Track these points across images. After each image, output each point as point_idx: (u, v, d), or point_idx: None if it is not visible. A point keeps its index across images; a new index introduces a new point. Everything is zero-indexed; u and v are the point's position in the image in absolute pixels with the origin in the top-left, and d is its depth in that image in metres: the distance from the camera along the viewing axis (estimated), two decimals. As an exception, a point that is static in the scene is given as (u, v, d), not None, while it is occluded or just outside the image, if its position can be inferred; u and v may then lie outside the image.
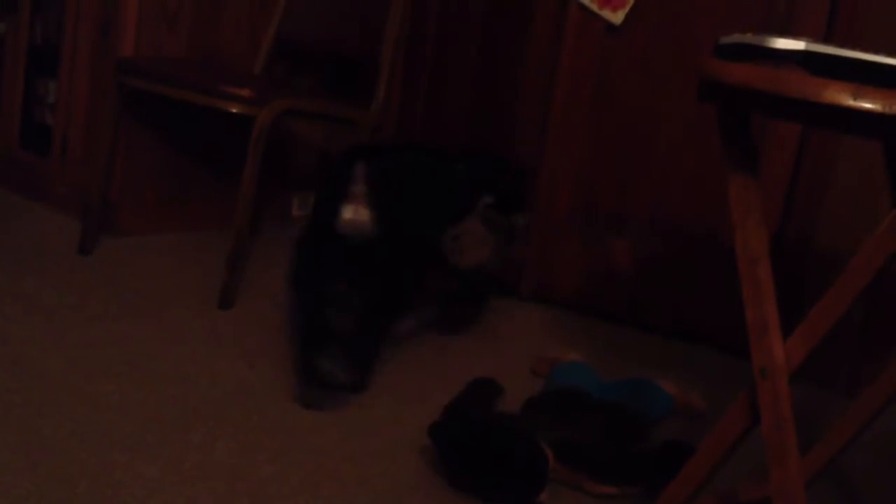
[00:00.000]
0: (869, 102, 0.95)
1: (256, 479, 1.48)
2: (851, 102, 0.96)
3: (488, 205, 2.17)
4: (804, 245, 2.23)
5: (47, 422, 1.55)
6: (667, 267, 2.40)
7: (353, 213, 1.78)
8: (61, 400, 1.64)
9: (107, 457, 1.47)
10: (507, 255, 2.27)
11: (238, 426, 1.64)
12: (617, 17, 2.36)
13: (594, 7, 2.38)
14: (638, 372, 2.03)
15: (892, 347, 2.11)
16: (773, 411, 1.11)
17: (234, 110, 2.15)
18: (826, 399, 2.05)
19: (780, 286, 1.16)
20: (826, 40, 2.17)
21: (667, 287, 2.40)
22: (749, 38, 1.09)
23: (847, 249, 1.13)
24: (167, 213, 2.68)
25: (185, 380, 1.79)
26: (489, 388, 1.86)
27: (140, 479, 1.43)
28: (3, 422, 1.53)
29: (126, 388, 1.72)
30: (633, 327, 2.42)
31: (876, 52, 1.03)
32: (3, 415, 1.55)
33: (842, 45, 1.03)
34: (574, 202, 2.48)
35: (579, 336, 2.36)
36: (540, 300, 2.51)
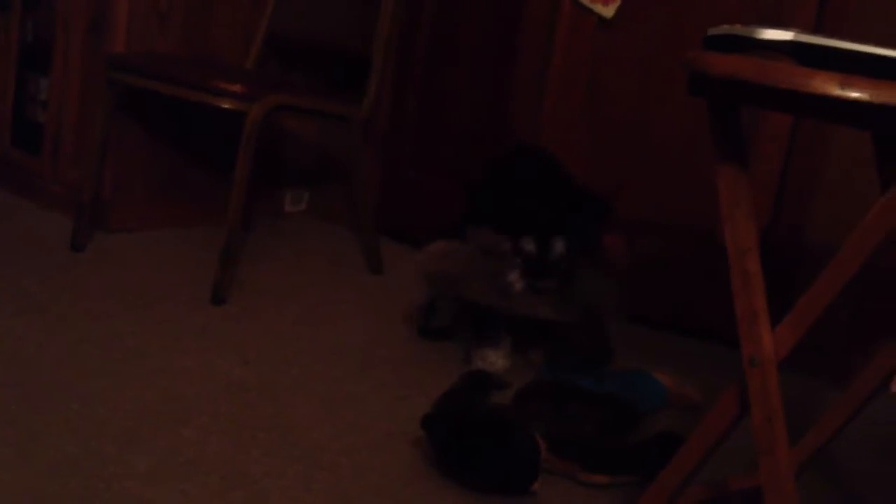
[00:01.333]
0: (856, 92, 0.95)
1: (250, 474, 1.48)
2: (839, 92, 0.96)
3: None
4: (795, 239, 2.24)
5: (41, 417, 1.56)
6: (663, 260, 2.41)
7: None
8: (55, 396, 1.64)
9: (100, 451, 1.48)
10: (513, 290, 1.90)
11: (231, 421, 1.65)
12: (608, 11, 2.37)
13: (585, 1, 2.39)
14: (633, 364, 2.03)
15: (881, 336, 2.12)
16: (762, 401, 1.12)
17: (225, 106, 2.15)
18: (817, 388, 2.06)
19: (770, 280, 1.17)
20: (816, 31, 2.18)
21: (661, 280, 2.40)
22: (737, 29, 1.09)
23: (838, 243, 1.14)
24: (160, 209, 2.68)
25: (178, 375, 1.80)
26: (482, 379, 1.87)
27: (133, 473, 1.43)
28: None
29: (119, 384, 1.72)
30: (627, 321, 2.42)
31: (865, 42, 1.04)
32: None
33: (831, 36, 1.04)
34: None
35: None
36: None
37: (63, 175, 2.65)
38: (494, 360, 1.99)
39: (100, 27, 2.51)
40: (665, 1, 2.33)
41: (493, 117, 2.66)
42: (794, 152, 2.23)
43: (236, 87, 2.15)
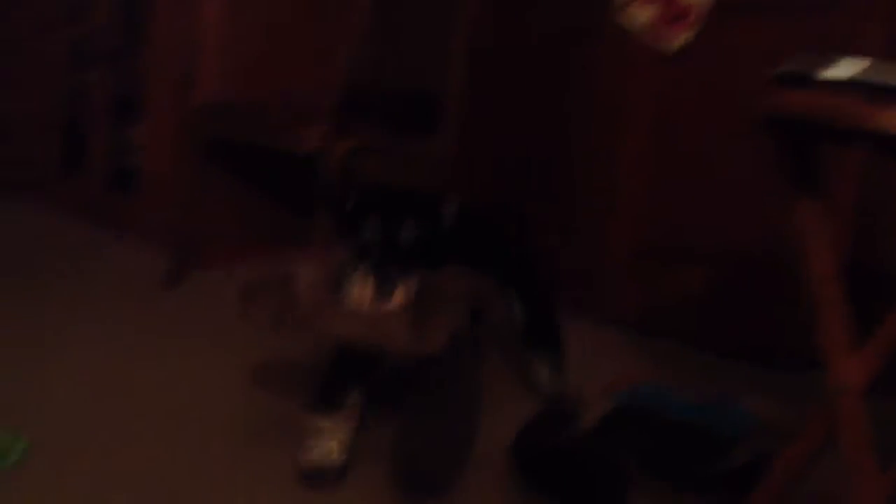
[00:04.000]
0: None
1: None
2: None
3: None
4: (876, 269, 2.20)
5: (126, 452, 1.63)
6: (734, 292, 2.40)
7: None
8: (143, 435, 1.71)
9: (185, 489, 1.54)
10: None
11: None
12: (673, 47, 2.39)
13: (649, 40, 2.43)
14: (717, 393, 2.03)
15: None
16: (848, 429, 1.12)
17: (305, 151, 2.25)
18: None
19: (855, 311, 1.17)
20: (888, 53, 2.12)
21: (734, 311, 2.40)
22: (804, 63, 1.10)
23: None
24: (249, 248, 2.79)
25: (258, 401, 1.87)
26: (563, 411, 1.88)
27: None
28: (79, 456, 1.61)
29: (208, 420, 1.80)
30: (703, 351, 2.41)
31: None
32: (80, 448, 1.63)
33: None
34: (641, 230, 2.52)
35: (653, 359, 2.37)
36: (612, 323, 2.55)
37: (156, 217, 2.78)
38: (329, 450, 1.58)
39: (190, 78, 2.64)
40: (729, 36, 2.31)
41: (561, 159, 2.69)
42: (870, 182, 2.20)
43: (315, 133, 2.25)
